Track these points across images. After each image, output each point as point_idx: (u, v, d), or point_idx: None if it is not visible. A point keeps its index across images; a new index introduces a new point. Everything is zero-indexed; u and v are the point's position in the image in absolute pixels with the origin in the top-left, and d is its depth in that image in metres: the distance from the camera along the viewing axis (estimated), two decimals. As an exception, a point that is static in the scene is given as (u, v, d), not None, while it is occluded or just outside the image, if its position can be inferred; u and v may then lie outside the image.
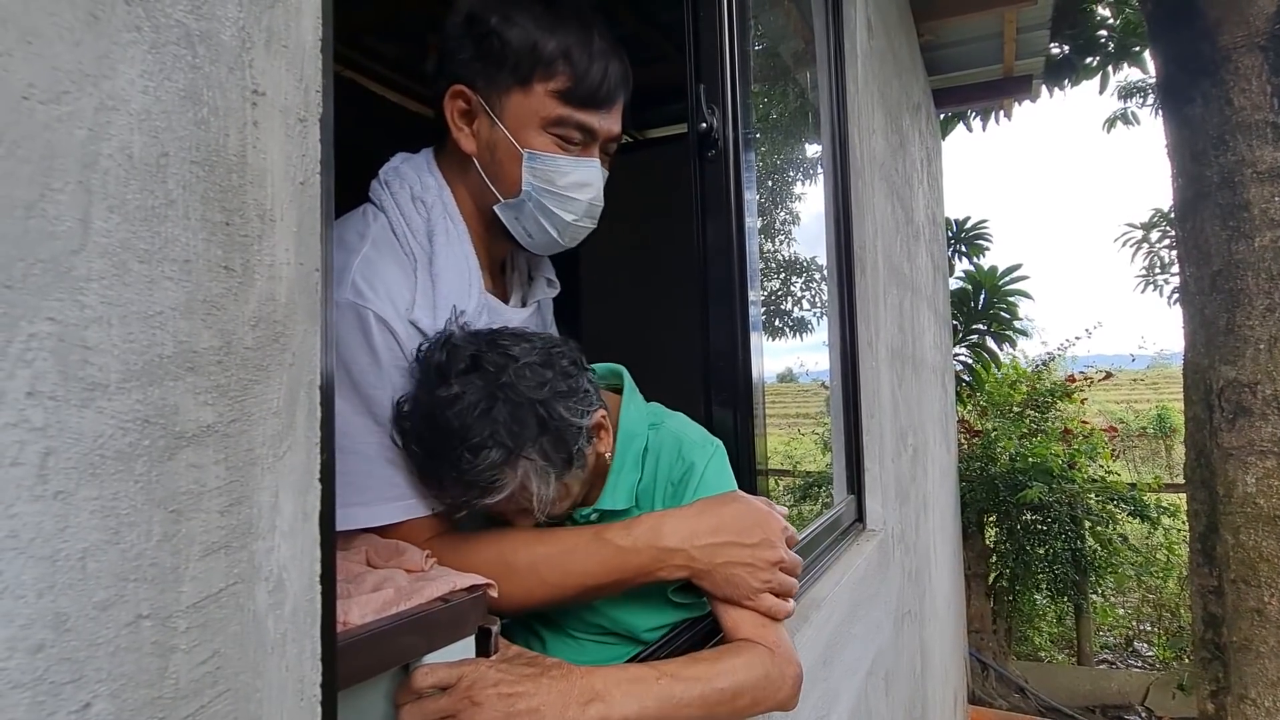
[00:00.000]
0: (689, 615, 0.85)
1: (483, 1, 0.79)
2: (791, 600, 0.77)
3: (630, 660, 0.81)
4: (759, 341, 1.20)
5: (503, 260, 0.92)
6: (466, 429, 0.67)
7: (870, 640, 1.52)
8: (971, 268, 5.08)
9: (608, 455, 0.80)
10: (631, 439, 0.83)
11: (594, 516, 0.82)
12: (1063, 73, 4.26)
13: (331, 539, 0.37)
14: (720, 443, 0.87)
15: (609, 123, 0.82)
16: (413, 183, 0.79)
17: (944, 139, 4.56)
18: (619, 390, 0.88)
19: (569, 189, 0.80)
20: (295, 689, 0.34)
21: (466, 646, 0.67)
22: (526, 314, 0.90)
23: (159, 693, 0.28)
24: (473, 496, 0.71)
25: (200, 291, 0.31)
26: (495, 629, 0.69)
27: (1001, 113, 4.49)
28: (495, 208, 0.81)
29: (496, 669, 0.62)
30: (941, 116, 4.40)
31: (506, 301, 0.88)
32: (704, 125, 1.12)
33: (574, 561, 0.74)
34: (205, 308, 0.31)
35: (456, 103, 0.79)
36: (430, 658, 0.64)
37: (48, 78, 0.26)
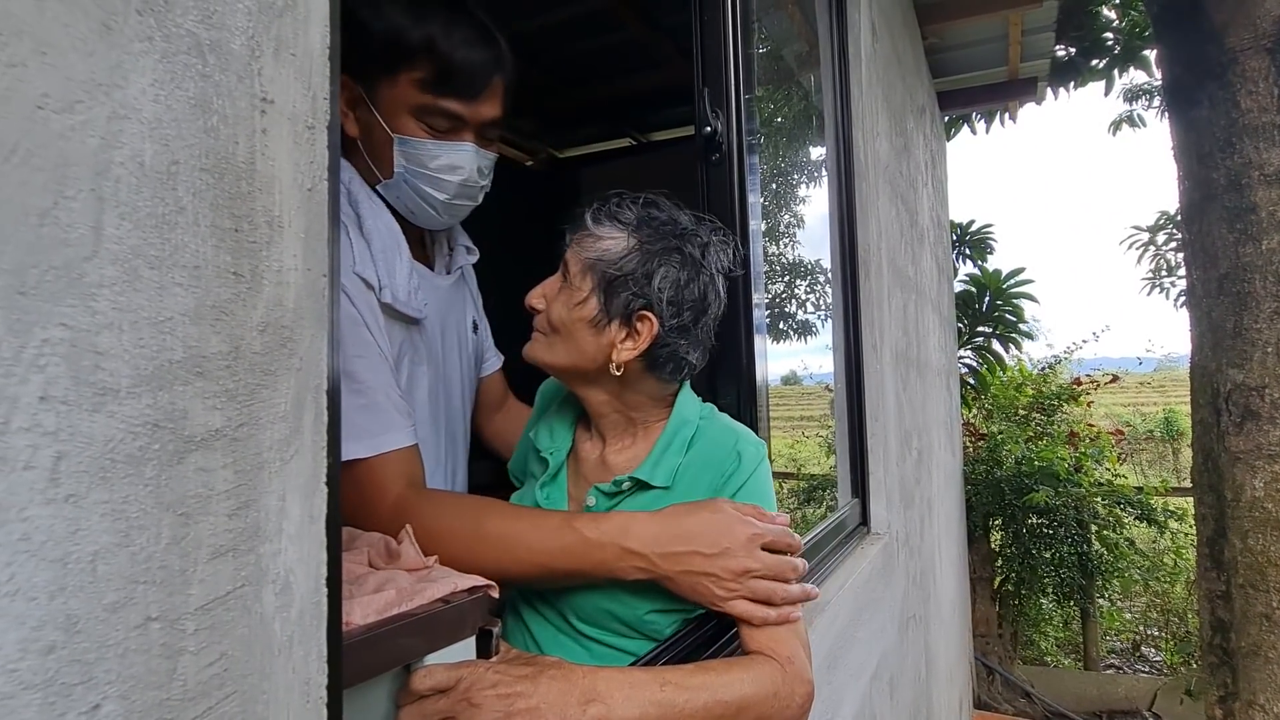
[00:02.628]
0: (695, 612, 0.84)
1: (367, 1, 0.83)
2: (787, 608, 0.76)
3: (635, 662, 0.81)
4: (763, 344, 1.20)
5: (421, 234, 0.97)
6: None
7: (875, 644, 1.52)
8: (976, 271, 5.07)
9: (613, 362, 0.80)
10: (683, 423, 0.85)
11: (627, 484, 0.82)
12: (1068, 75, 4.25)
13: (337, 542, 0.38)
14: (763, 444, 0.88)
15: (480, 109, 0.86)
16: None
17: (948, 141, 4.55)
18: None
19: (440, 171, 0.85)
20: (301, 691, 0.34)
21: (467, 648, 0.67)
22: (451, 280, 0.99)
23: (168, 694, 0.29)
24: (589, 218, 0.81)
25: (209, 297, 0.31)
26: (496, 630, 0.69)
27: (1006, 115, 4.48)
28: (378, 188, 0.87)
29: (494, 670, 0.62)
30: (946, 119, 4.40)
31: (432, 269, 0.96)
32: (709, 129, 1.12)
33: (539, 540, 0.75)
34: (214, 313, 0.31)
35: (343, 93, 0.81)
36: (431, 658, 0.64)
37: (61, 87, 0.27)
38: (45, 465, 0.26)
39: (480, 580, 0.67)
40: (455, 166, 0.86)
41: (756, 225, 1.24)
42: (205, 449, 0.31)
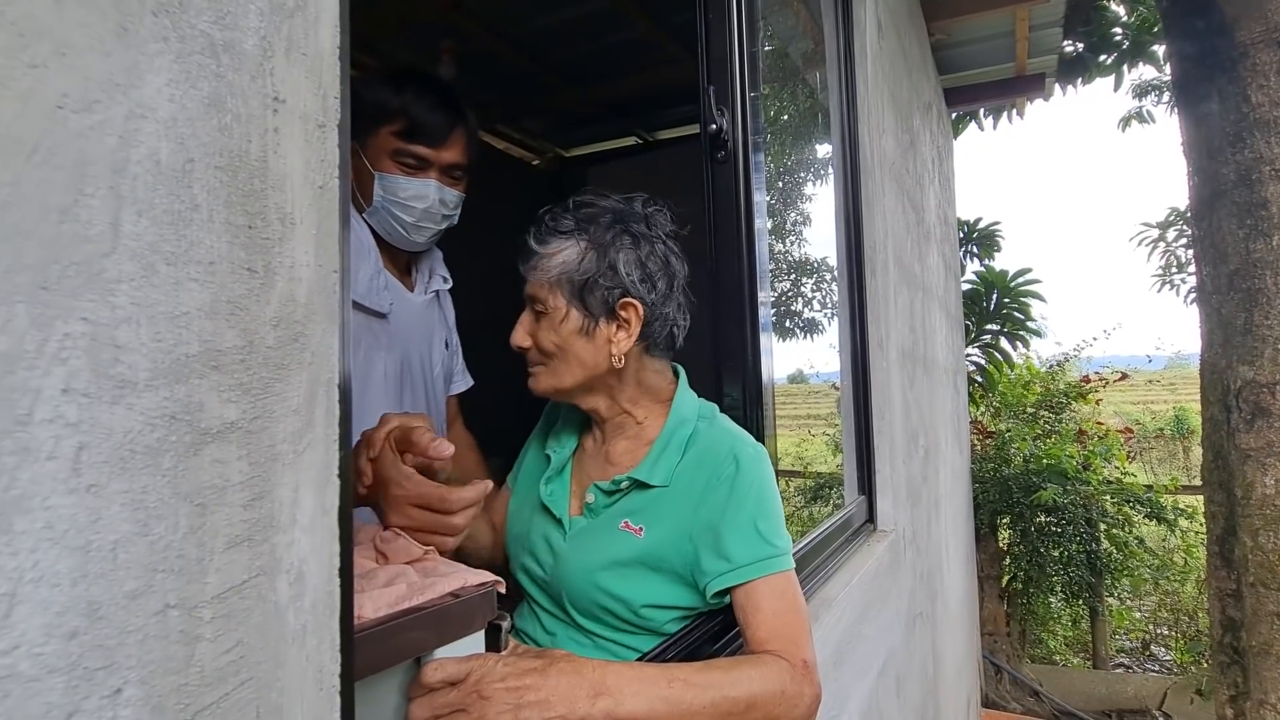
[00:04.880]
0: (705, 609, 0.85)
1: (362, 77, 1.07)
2: None
3: (641, 657, 0.82)
4: (769, 342, 1.20)
5: (408, 262, 1.20)
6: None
7: (881, 641, 1.52)
8: (983, 268, 5.04)
9: (614, 356, 0.83)
10: (681, 423, 0.86)
11: (626, 483, 0.84)
12: (1076, 71, 4.22)
13: (349, 534, 0.38)
14: (765, 449, 0.88)
15: (443, 154, 1.10)
16: None
17: (955, 139, 4.53)
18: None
19: (408, 200, 1.09)
20: (315, 679, 0.35)
21: (476, 641, 0.67)
22: (425, 300, 1.21)
23: (185, 680, 0.30)
24: (532, 241, 0.84)
25: (224, 292, 0.32)
26: (505, 624, 0.69)
27: (1014, 111, 4.46)
28: (364, 215, 1.10)
29: (504, 663, 0.63)
30: (953, 116, 4.38)
31: (412, 290, 1.19)
32: (714, 127, 1.12)
33: None
34: (229, 308, 0.32)
35: None
36: (441, 652, 0.65)
37: (80, 87, 0.27)
38: (68, 456, 0.26)
39: (488, 576, 0.68)
40: (420, 196, 1.09)
41: (762, 223, 1.24)
42: (221, 441, 0.31)
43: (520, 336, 0.86)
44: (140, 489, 0.28)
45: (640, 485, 0.84)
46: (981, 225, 5.13)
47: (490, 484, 0.76)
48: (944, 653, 2.46)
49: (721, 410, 1.09)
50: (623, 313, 0.82)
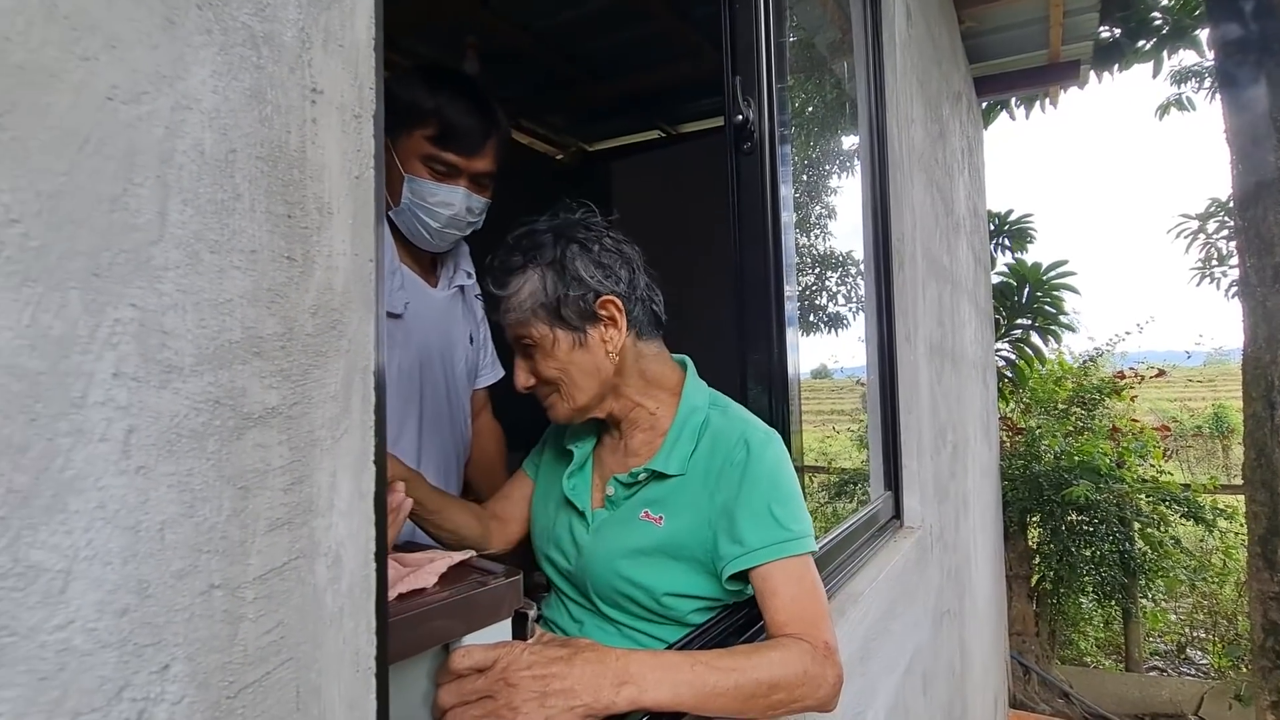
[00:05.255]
0: (728, 600, 0.85)
1: (397, 74, 1.08)
2: None
3: (668, 648, 0.82)
4: (794, 337, 1.19)
5: (433, 259, 1.21)
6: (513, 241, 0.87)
7: (908, 638, 1.50)
8: (1015, 261, 4.94)
9: (612, 354, 0.85)
10: (692, 411, 0.88)
11: (643, 475, 0.85)
12: (1113, 57, 4.10)
13: (384, 519, 0.39)
14: (778, 434, 0.88)
15: (474, 162, 1.10)
16: None
17: (986, 129, 4.44)
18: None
19: (435, 205, 1.09)
20: (351, 660, 0.36)
21: (503, 630, 0.69)
22: (448, 295, 1.21)
23: (229, 658, 0.30)
24: (492, 288, 0.86)
25: (265, 280, 0.33)
26: (532, 613, 0.70)
27: (1047, 100, 4.35)
28: (389, 213, 1.10)
29: (531, 652, 0.64)
30: (984, 105, 4.28)
31: (435, 286, 1.20)
32: (740, 118, 1.11)
33: None
34: (269, 296, 0.33)
35: None
36: (468, 639, 0.66)
37: (129, 79, 0.28)
38: (118, 438, 0.27)
39: (467, 553, 0.71)
40: (447, 203, 1.09)
41: (788, 217, 1.23)
42: (262, 425, 0.32)
43: (522, 379, 0.88)
44: (186, 471, 0.29)
45: (658, 475, 0.85)
46: (1013, 218, 5.02)
47: (402, 499, 0.80)
48: (972, 651, 2.42)
49: (746, 405, 1.09)
50: (603, 311, 0.85)
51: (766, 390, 1.12)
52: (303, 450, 0.34)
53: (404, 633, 0.59)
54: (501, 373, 1.37)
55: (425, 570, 0.67)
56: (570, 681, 0.62)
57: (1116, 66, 4.14)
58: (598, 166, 3.22)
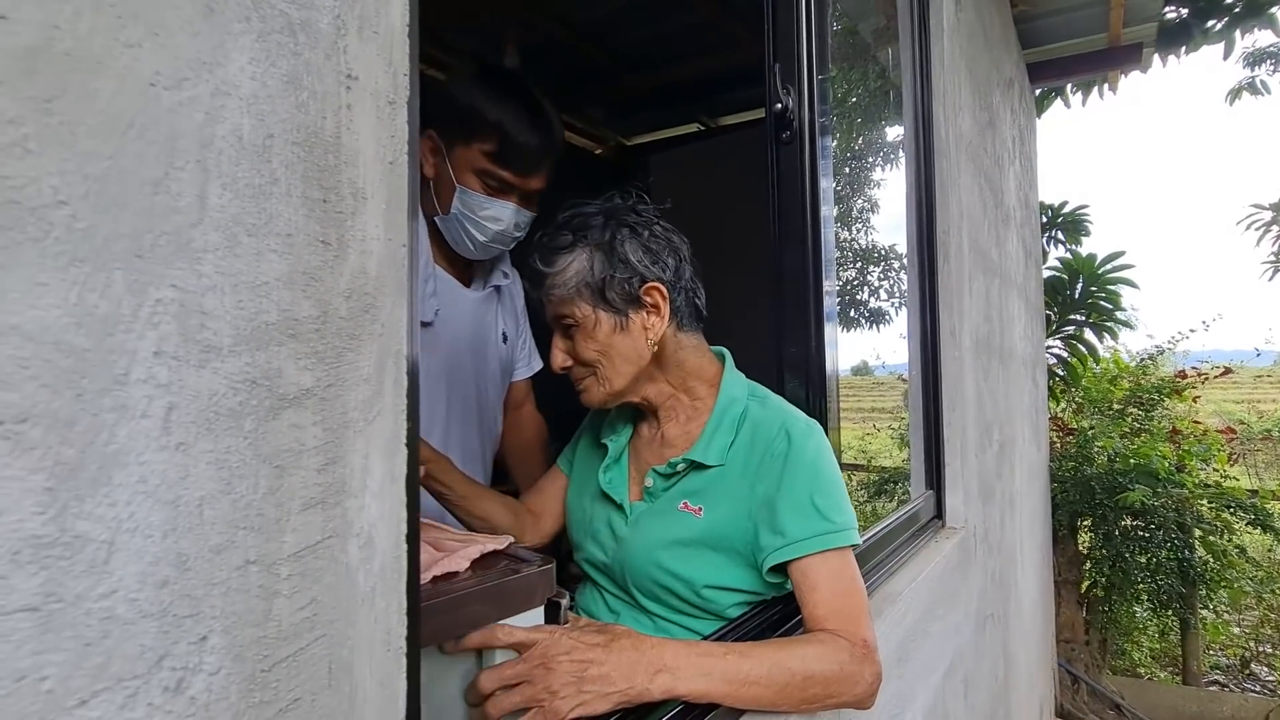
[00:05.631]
0: (768, 593, 0.84)
1: (457, 76, 1.12)
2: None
3: (704, 640, 0.82)
4: (833, 333, 1.16)
5: (470, 261, 1.20)
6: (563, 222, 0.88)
7: (948, 641, 1.46)
8: (1068, 255, 4.74)
9: (651, 341, 0.85)
10: (731, 402, 0.88)
11: (682, 466, 0.85)
12: (1179, 39, 3.88)
13: (416, 502, 0.39)
14: (819, 425, 0.87)
15: (529, 181, 1.09)
16: None
17: (1039, 117, 4.27)
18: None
19: (484, 219, 1.08)
20: (383, 639, 0.36)
21: (536, 616, 0.69)
22: (482, 295, 1.22)
23: (264, 632, 0.31)
24: (539, 264, 0.86)
25: (300, 264, 0.33)
26: (565, 601, 0.71)
27: (1106, 86, 4.15)
28: (435, 219, 1.10)
29: (569, 637, 0.64)
30: (1037, 93, 4.12)
31: (469, 285, 1.21)
32: (779, 106, 1.09)
33: None
34: (305, 279, 0.33)
35: (427, 142, 1.08)
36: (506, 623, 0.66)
37: (170, 66, 0.29)
38: (159, 415, 0.28)
39: (502, 541, 0.71)
40: (496, 218, 1.09)
41: (828, 210, 1.21)
42: (297, 406, 0.33)
43: (559, 359, 0.88)
44: (224, 449, 0.30)
45: (697, 466, 0.85)
46: (1067, 209, 4.82)
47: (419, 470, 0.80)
48: (1016, 657, 2.35)
49: (785, 398, 1.07)
50: (647, 298, 0.85)
51: (804, 385, 1.10)
52: (336, 431, 0.34)
53: (438, 616, 0.61)
54: (538, 365, 1.38)
55: (459, 555, 0.68)
56: (607, 668, 0.63)
57: (1183, 49, 3.92)
58: (636, 160, 3.22)
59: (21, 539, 0.24)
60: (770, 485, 0.80)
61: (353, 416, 0.35)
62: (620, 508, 0.90)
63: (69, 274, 0.25)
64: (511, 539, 0.74)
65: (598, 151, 3.25)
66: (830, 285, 1.18)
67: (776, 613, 0.86)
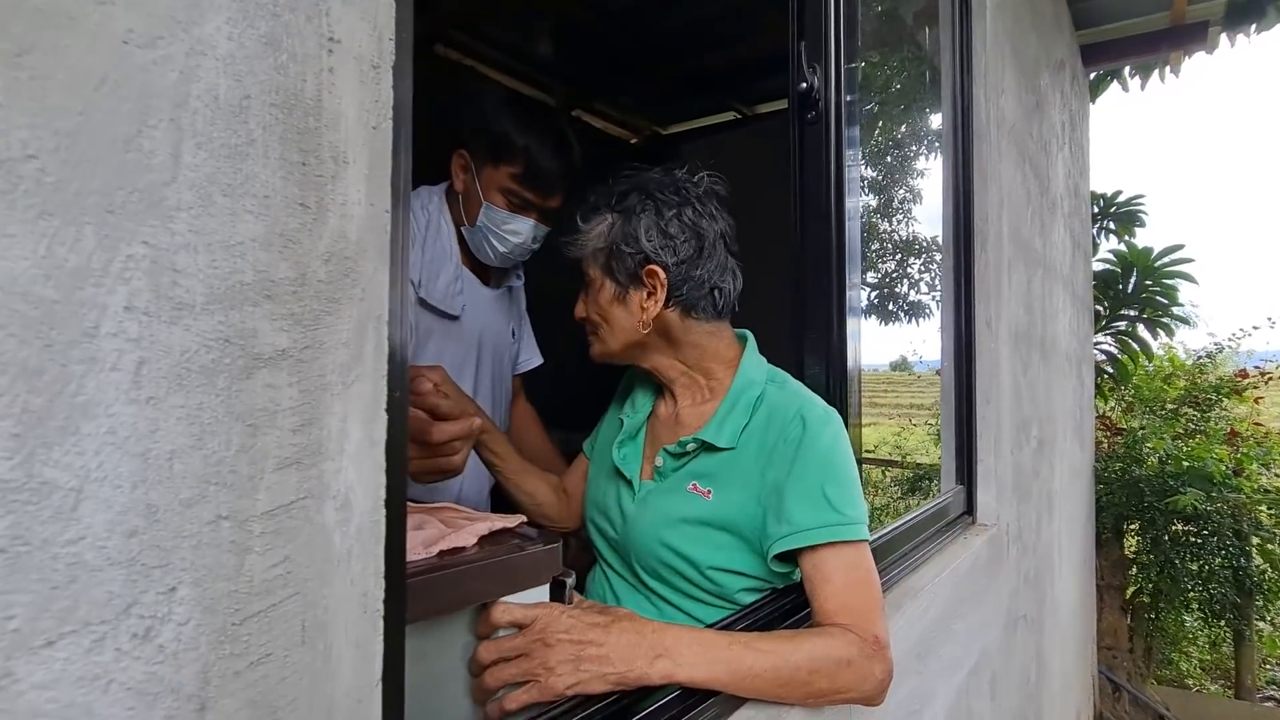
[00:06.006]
0: (778, 582, 0.83)
1: (489, 97, 1.25)
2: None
3: (710, 627, 0.81)
4: (856, 324, 1.13)
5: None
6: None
7: (974, 639, 1.42)
8: (1122, 247, 4.53)
9: (644, 324, 0.86)
10: (748, 385, 0.87)
11: (692, 445, 0.84)
12: (1250, 15, 3.64)
13: (400, 468, 0.39)
14: (838, 414, 0.86)
15: (549, 201, 1.21)
16: (425, 199, 1.25)
17: (1093, 101, 4.07)
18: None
19: (506, 232, 1.20)
20: (359, 602, 0.37)
21: (540, 595, 0.69)
22: (498, 293, 1.34)
23: (235, 586, 0.32)
24: (578, 219, 0.90)
25: (278, 225, 0.33)
26: (570, 580, 0.71)
27: (1167, 68, 3.94)
28: (461, 228, 1.24)
29: (569, 615, 0.64)
30: (1091, 76, 3.93)
31: (488, 284, 1.32)
32: (804, 85, 1.07)
33: None
34: (282, 241, 0.33)
35: (459, 160, 1.23)
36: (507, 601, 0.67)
37: (144, 24, 0.29)
38: (129, 368, 0.28)
39: (515, 519, 0.71)
40: (517, 231, 1.21)
41: (856, 199, 1.17)
42: (272, 367, 0.33)
43: (579, 309, 0.92)
44: (196, 405, 0.30)
45: (708, 448, 0.83)
46: (1121, 199, 4.60)
47: (477, 421, 0.82)
48: (1050, 661, 2.27)
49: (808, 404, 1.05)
50: (648, 279, 0.85)
51: (824, 372, 1.08)
52: (313, 394, 0.34)
53: (442, 590, 0.61)
54: (539, 360, 1.49)
55: (466, 530, 0.68)
56: (606, 649, 0.63)
57: (1254, 27, 3.69)
58: (671, 149, 3.19)
59: (-12, 482, 0.24)
60: (781, 471, 0.78)
61: (330, 379, 0.35)
62: (630, 484, 0.89)
63: (38, 227, 0.26)
64: (523, 518, 0.74)
65: (633, 140, 3.23)
66: (855, 276, 1.15)
67: (789, 602, 0.85)
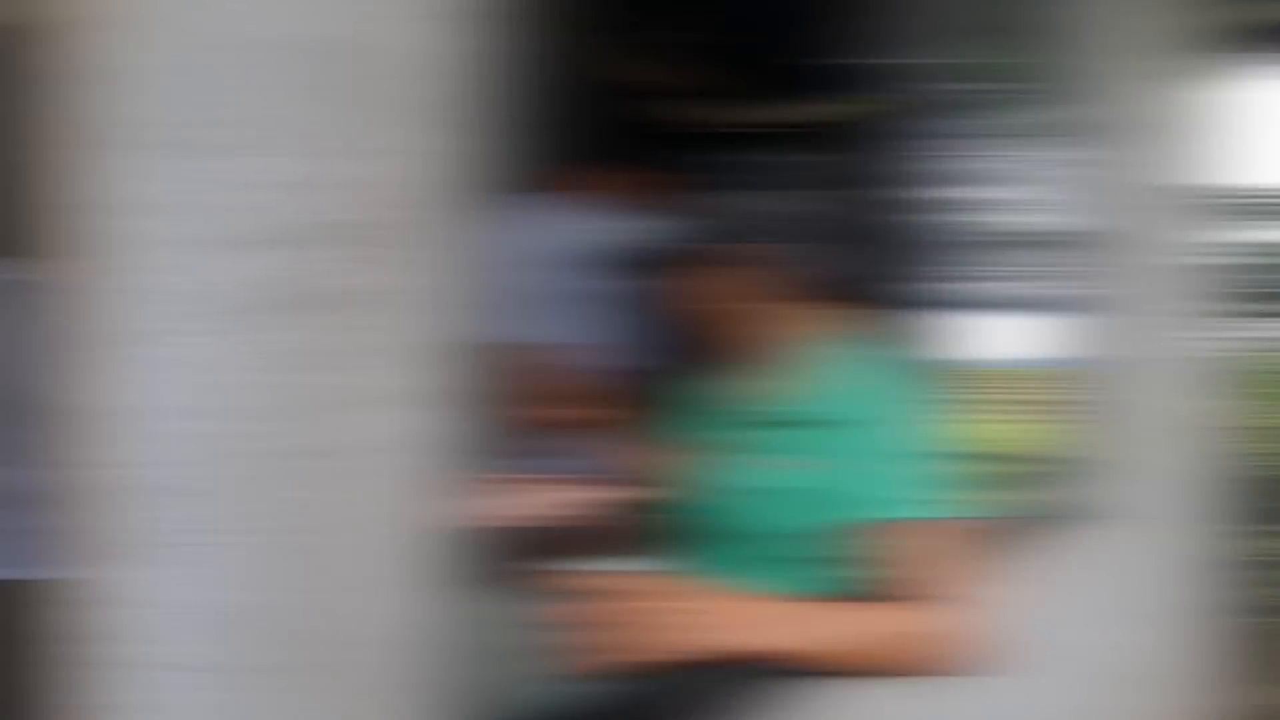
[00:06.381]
0: (852, 554, 0.81)
1: None
2: None
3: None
4: (965, 314, 1.09)
5: None
6: None
7: (1091, 633, 1.37)
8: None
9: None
10: (828, 359, 0.83)
11: (764, 417, 0.82)
12: None
13: (462, 419, 0.39)
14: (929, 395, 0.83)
15: None
16: None
17: (1240, 89, 3.61)
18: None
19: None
20: (408, 548, 0.37)
21: (622, 563, 0.71)
22: None
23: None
24: None
25: (338, 169, 0.34)
26: (640, 554, 0.72)
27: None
28: None
29: (648, 584, 0.65)
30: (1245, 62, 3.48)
31: None
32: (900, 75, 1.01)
33: None
34: (342, 185, 0.34)
35: None
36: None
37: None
38: (189, 300, 0.29)
39: (587, 488, 0.73)
40: None
41: (962, 191, 1.13)
42: (325, 309, 0.33)
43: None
44: (247, 342, 0.31)
45: (785, 421, 0.81)
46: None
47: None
48: (1174, 660, 2.10)
49: (906, 385, 1.02)
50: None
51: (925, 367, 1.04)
52: (364, 337, 0.35)
53: (509, 551, 0.63)
54: None
55: (542, 496, 0.70)
56: (680, 617, 0.63)
57: None
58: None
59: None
60: (866, 444, 0.76)
61: (386, 325, 0.35)
62: (704, 459, 0.89)
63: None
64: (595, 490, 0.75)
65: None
66: (964, 259, 1.10)
67: (862, 577, 0.82)
